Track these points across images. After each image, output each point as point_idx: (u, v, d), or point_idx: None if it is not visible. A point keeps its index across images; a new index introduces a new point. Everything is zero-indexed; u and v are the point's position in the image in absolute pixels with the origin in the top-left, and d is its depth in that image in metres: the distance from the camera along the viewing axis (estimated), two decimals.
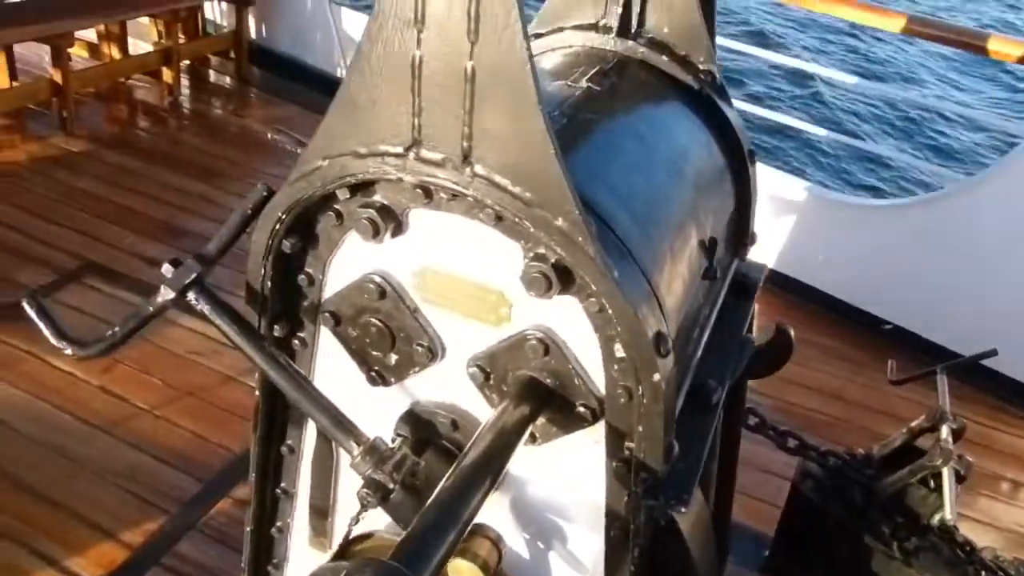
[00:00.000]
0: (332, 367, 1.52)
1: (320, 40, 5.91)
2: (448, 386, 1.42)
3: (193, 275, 1.41)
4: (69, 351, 1.46)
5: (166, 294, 1.43)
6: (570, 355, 1.26)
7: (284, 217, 1.34)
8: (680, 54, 1.75)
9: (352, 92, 1.18)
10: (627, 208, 1.30)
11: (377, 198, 1.28)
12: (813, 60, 10.44)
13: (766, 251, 4.51)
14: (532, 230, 1.12)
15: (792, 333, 1.70)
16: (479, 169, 1.13)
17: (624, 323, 1.13)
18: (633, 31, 1.76)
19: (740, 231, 1.85)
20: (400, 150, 1.17)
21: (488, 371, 1.33)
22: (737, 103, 4.76)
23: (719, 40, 1.96)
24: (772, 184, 4.45)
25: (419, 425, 1.47)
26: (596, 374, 1.26)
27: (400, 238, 1.32)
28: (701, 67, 1.75)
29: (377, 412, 1.50)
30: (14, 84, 5.13)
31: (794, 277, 4.49)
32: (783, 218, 4.59)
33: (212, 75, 6.20)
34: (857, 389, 3.88)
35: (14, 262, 3.89)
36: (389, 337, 1.40)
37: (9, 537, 2.58)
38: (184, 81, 5.92)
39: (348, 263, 1.39)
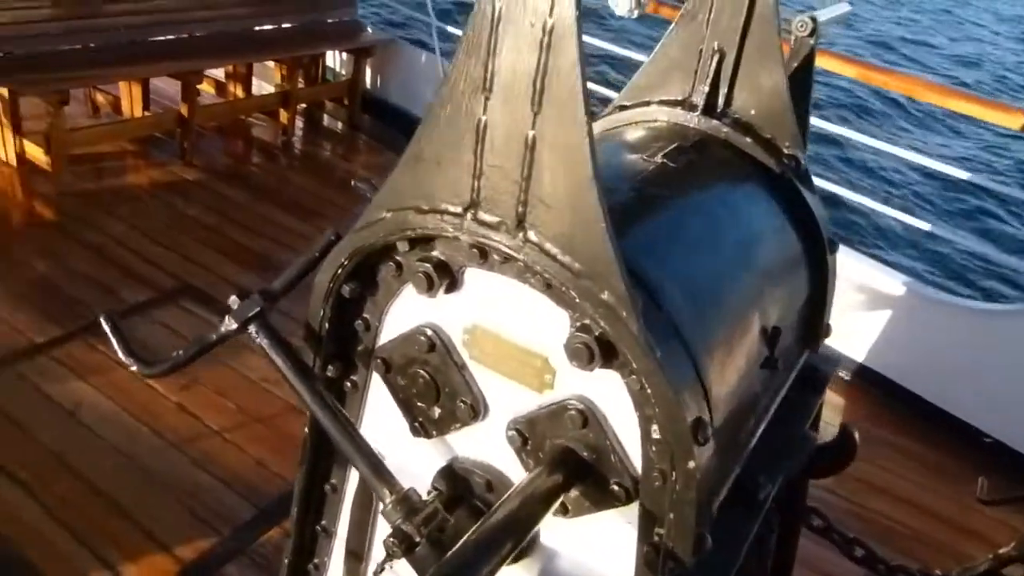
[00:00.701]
0: (380, 413, 1.54)
1: (429, 94, 6.12)
2: (487, 446, 1.41)
3: (256, 309, 1.47)
4: (135, 368, 1.53)
5: (229, 324, 1.49)
6: (608, 430, 1.23)
7: (346, 263, 1.39)
8: (765, 136, 1.73)
9: (419, 149, 1.21)
10: (684, 288, 1.28)
11: (435, 254, 1.30)
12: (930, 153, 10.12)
13: (858, 345, 4.34)
14: (578, 301, 1.12)
15: (856, 435, 1.62)
16: (532, 235, 1.14)
17: (662, 405, 1.11)
18: (719, 110, 1.75)
19: (813, 322, 1.78)
20: (459, 210, 1.20)
21: (526, 436, 1.32)
22: (838, 189, 4.59)
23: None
24: (868, 275, 4.30)
25: (455, 481, 1.46)
26: (634, 453, 1.23)
27: (454, 294, 1.33)
28: (785, 151, 1.72)
29: (418, 462, 1.50)
30: (146, 113, 5.51)
31: (887, 376, 4.29)
32: (878, 312, 4.41)
33: (326, 119, 6.49)
34: (942, 503, 3.63)
35: (120, 278, 4.13)
36: (435, 390, 1.41)
37: (76, 536, 2.70)
38: (299, 123, 6.23)
39: (404, 313, 1.42)
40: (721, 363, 1.30)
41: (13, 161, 4.87)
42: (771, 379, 1.56)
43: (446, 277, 1.30)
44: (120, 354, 1.53)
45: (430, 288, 1.30)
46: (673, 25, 1.75)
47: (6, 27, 4.70)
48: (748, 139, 1.71)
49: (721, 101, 1.74)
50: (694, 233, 1.42)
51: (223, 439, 3.16)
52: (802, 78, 1.88)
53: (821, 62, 4.05)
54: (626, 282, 1.07)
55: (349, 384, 1.56)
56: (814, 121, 4.40)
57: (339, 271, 1.40)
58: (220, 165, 5.63)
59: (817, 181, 4.59)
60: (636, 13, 1.47)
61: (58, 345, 3.51)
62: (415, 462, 1.51)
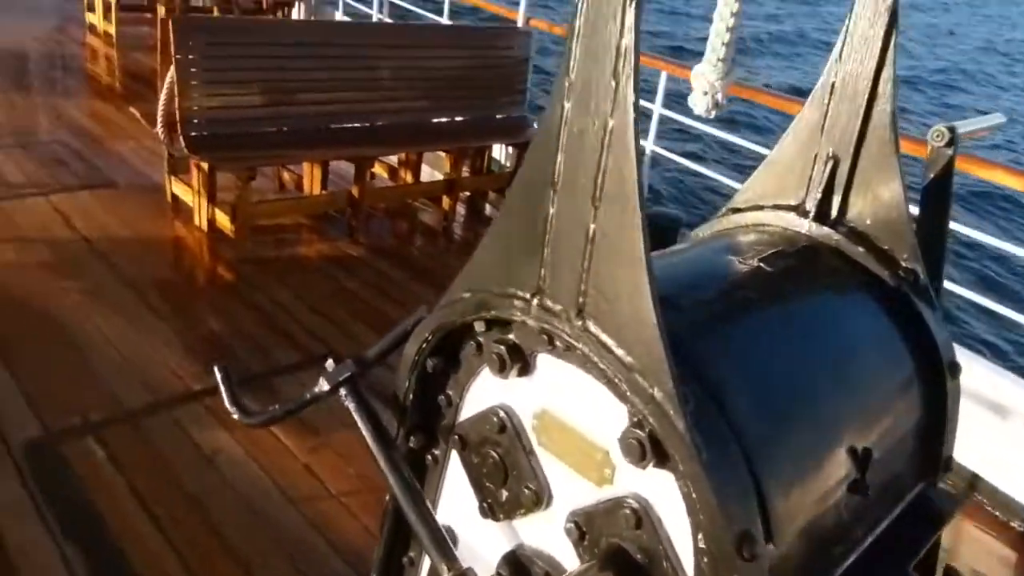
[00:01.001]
0: (457, 490, 1.56)
1: None
2: (549, 535, 1.39)
3: (347, 374, 1.56)
4: (236, 416, 1.66)
5: (322, 386, 1.58)
6: (662, 534, 1.19)
7: (431, 338, 1.45)
8: (881, 247, 1.65)
9: (497, 235, 1.27)
10: (756, 392, 1.24)
11: (511, 336, 1.34)
12: None
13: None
14: (629, 395, 1.11)
15: None
16: (590, 325, 1.15)
17: (706, 512, 1.06)
18: (833, 218, 1.70)
19: (929, 452, 1.64)
20: (527, 295, 1.24)
21: (584, 530, 1.29)
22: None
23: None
24: None
25: (517, 569, 1.45)
26: (687, 561, 1.18)
27: (526, 378, 1.35)
28: (903, 263, 1.64)
29: (488, 544, 1.50)
30: (323, 192, 6.00)
31: None
32: None
33: (487, 208, 6.78)
34: None
35: (276, 340, 4.45)
36: (503, 472, 1.42)
37: (189, 571, 2.86)
38: (461, 210, 6.55)
39: (482, 392, 1.45)
40: (791, 477, 1.23)
41: (205, 227, 5.44)
42: (865, 507, 1.44)
43: (518, 360, 1.33)
44: (226, 402, 1.66)
45: (502, 369, 1.33)
46: (788, 130, 1.73)
47: (215, 110, 5.32)
48: (861, 249, 1.65)
49: (835, 209, 1.69)
50: (776, 338, 1.37)
51: (339, 503, 3.27)
52: (940, 188, 1.79)
53: (981, 172, 3.82)
54: (675, 379, 1.05)
55: (430, 457, 1.60)
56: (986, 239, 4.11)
57: (424, 345, 1.47)
58: (384, 244, 5.98)
59: (985, 300, 4.20)
60: (714, 113, 1.49)
61: (211, 395, 3.80)
62: (486, 543, 1.51)
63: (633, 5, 1.01)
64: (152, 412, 3.69)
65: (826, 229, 1.68)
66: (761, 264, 1.49)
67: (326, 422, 3.52)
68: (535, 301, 1.22)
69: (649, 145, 5.98)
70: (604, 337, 1.13)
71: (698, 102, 1.51)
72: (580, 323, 1.16)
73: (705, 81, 1.48)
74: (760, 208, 1.79)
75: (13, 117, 7.34)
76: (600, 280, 1.12)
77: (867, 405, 1.45)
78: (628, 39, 1.02)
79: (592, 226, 1.11)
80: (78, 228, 5.32)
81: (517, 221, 1.22)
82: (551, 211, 1.16)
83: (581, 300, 1.15)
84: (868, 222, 1.67)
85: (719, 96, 1.49)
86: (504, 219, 1.25)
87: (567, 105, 1.10)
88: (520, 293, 1.24)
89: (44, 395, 3.68)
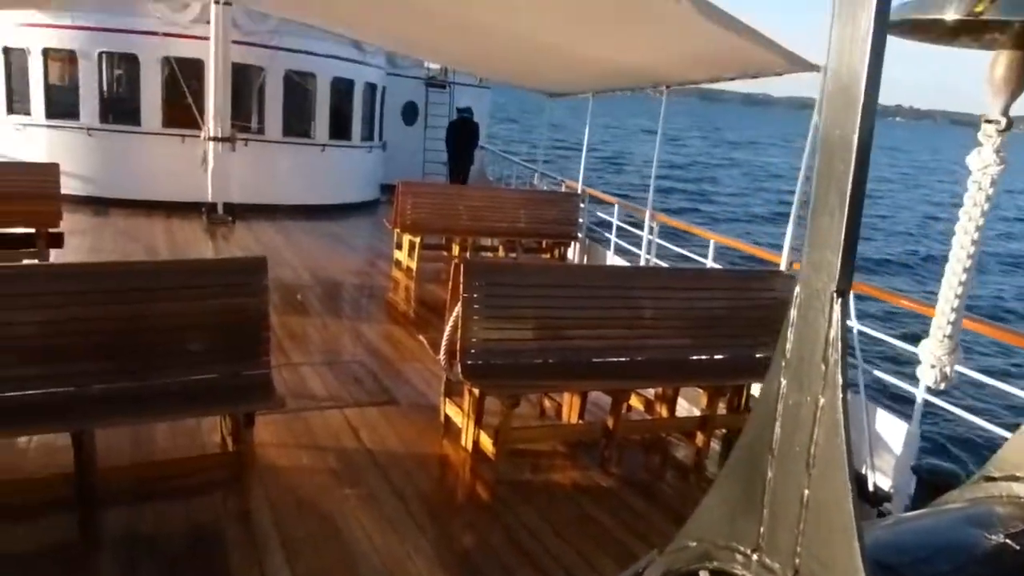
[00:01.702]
0: None
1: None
2: None
3: None
4: None
5: None
6: None
7: None
8: None
9: (722, 491, 1.38)
10: None
11: None
12: None
13: None
14: None
15: None
16: None
17: None
18: None
19: None
20: (748, 551, 1.31)
21: None
22: None
23: None
24: None
25: None
26: None
27: None
28: None
29: None
30: (580, 421, 6.29)
31: None
32: None
33: None
34: None
35: (520, 562, 4.59)
36: None
37: None
38: (715, 446, 6.48)
39: None
40: None
41: (470, 447, 5.89)
42: None
43: None
44: None
45: None
46: None
47: (492, 342, 5.93)
48: None
49: None
50: None
51: None
52: None
53: None
54: None
55: None
56: None
57: None
58: (634, 476, 6.04)
59: None
60: (943, 385, 1.52)
61: None
62: None
63: (839, 303, 1.15)
64: None
65: None
66: (1008, 541, 1.43)
67: None
68: (755, 557, 1.29)
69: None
70: None
71: (926, 374, 1.56)
72: None
73: (932, 356, 1.53)
74: (1015, 479, 1.71)
75: (326, 338, 8.65)
76: (813, 544, 1.18)
77: None
78: (835, 331, 1.16)
79: (806, 492, 1.20)
80: (363, 439, 6.02)
81: (740, 480, 1.33)
82: (769, 475, 1.27)
83: (797, 561, 1.21)
84: None
85: (947, 370, 1.53)
86: (729, 476, 1.36)
87: (783, 381, 1.24)
88: (741, 548, 1.32)
89: None
